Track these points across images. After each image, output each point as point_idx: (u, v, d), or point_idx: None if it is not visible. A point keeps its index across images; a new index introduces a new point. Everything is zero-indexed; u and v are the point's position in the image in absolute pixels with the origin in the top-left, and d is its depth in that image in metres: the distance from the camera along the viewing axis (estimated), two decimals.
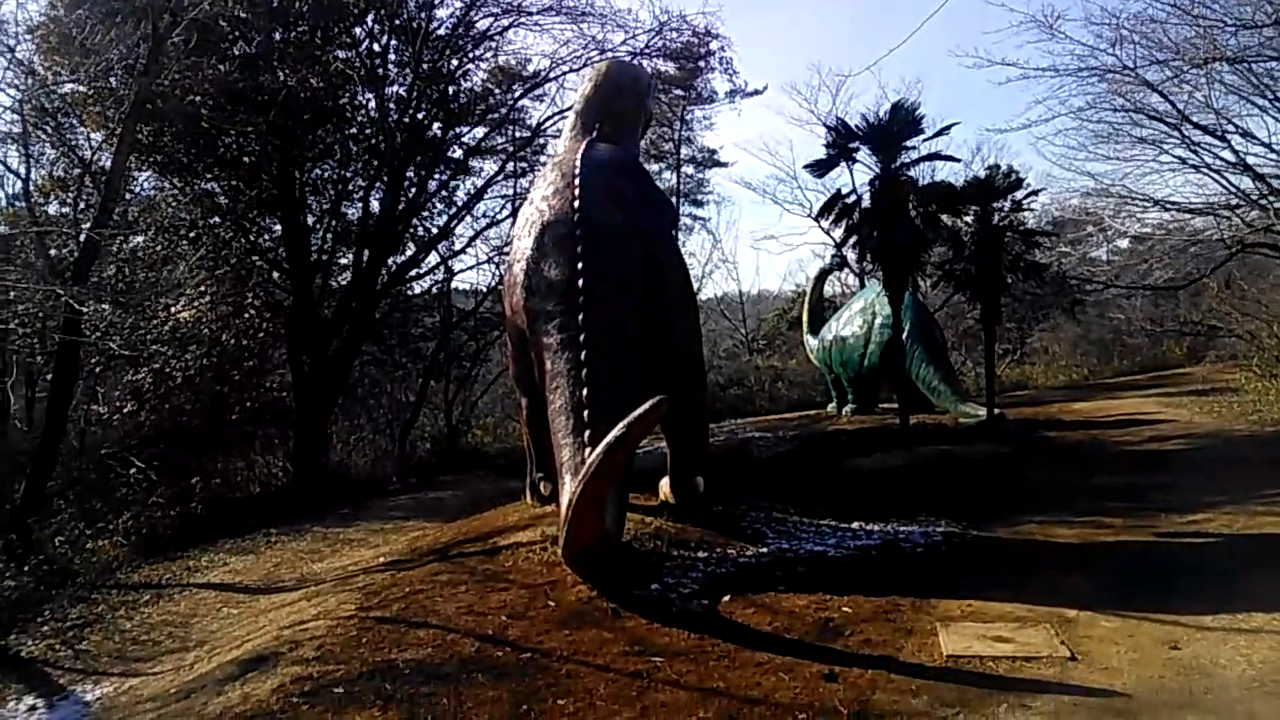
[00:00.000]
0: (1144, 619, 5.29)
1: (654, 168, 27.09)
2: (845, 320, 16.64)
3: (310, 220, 15.86)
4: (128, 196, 14.08)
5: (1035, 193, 13.71)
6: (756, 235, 60.29)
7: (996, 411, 13.21)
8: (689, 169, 29.58)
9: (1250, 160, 14.21)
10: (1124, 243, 20.68)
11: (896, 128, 12.36)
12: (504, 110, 18.17)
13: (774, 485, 9.71)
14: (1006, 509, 8.44)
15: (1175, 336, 21.92)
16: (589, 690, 4.53)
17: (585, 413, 6.44)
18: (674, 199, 27.51)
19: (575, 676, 4.70)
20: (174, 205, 14.43)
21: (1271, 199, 14.13)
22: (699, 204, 30.37)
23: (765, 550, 7.10)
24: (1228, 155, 14.35)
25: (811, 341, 17.97)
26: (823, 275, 19.61)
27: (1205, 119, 14.23)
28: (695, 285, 27.95)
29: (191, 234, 13.85)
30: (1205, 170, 14.79)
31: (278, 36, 14.53)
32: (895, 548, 7.27)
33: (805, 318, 18.65)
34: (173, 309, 13.10)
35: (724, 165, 29.77)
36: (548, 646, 5.08)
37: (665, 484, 8.27)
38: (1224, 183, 14.66)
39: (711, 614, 5.69)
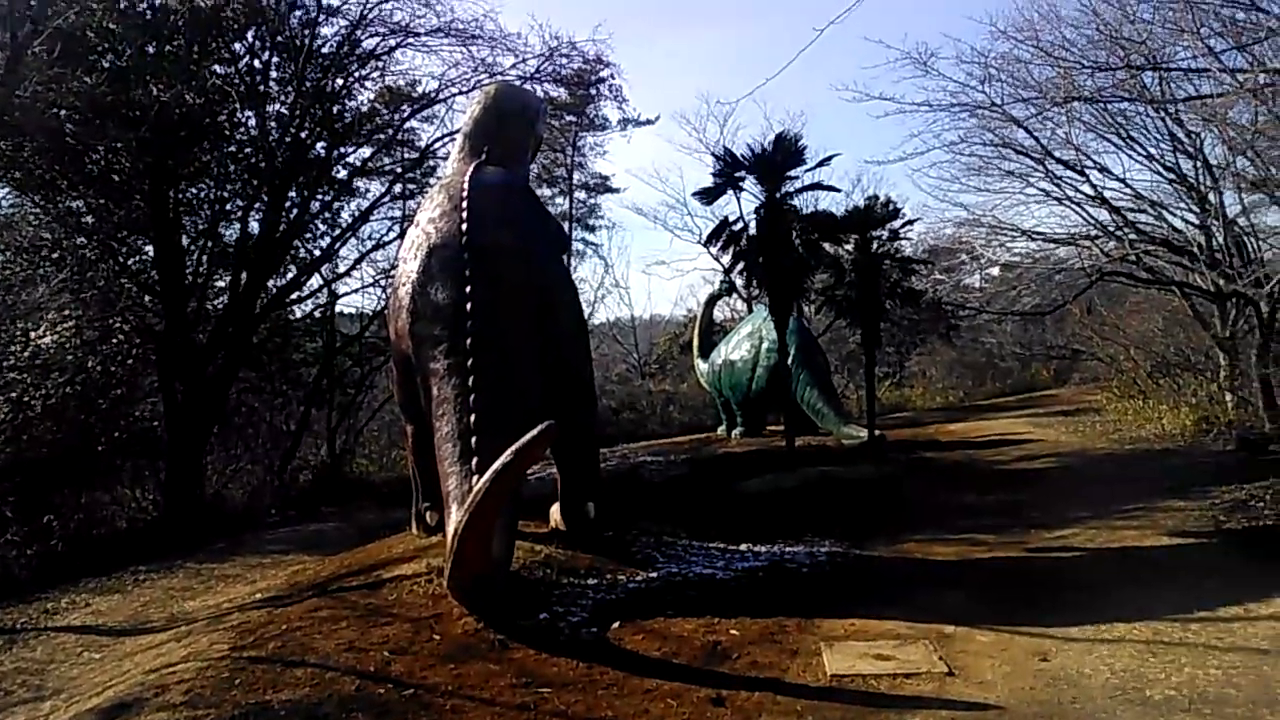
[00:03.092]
0: (1016, 633, 5.50)
1: (546, 192, 27.10)
2: (734, 344, 16.93)
3: (185, 241, 15.14)
4: None
5: (911, 222, 14.31)
6: (648, 260, 61.08)
7: (877, 433, 13.63)
8: (581, 194, 29.71)
9: (1107, 194, 15.10)
10: (995, 270, 21.60)
11: (780, 158, 12.73)
12: (391, 131, 17.82)
13: (665, 509, 9.76)
14: (888, 528, 8.70)
15: (1043, 360, 23.11)
16: None
17: (472, 439, 6.32)
18: (566, 224, 27.54)
19: (460, 712, 4.57)
20: (35, 224, 13.58)
21: (1126, 230, 15.05)
22: (591, 229, 30.48)
23: (655, 575, 7.10)
24: (1087, 189, 15.21)
25: (702, 365, 18.21)
26: (712, 300, 19.93)
27: (1066, 155, 15.06)
28: (587, 310, 27.98)
29: (54, 255, 13.04)
30: (1067, 203, 15.64)
31: (150, 50, 13.88)
32: (782, 569, 7.39)
33: (695, 342, 18.90)
34: (32, 334, 12.30)
35: (616, 191, 30.02)
36: (432, 682, 4.93)
37: (556, 510, 8.19)
38: (1084, 215, 15.53)
39: (600, 642, 5.64)
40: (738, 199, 13.10)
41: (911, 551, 7.85)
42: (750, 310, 20.34)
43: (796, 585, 6.89)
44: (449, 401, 6.65)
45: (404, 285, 7.43)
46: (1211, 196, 14.03)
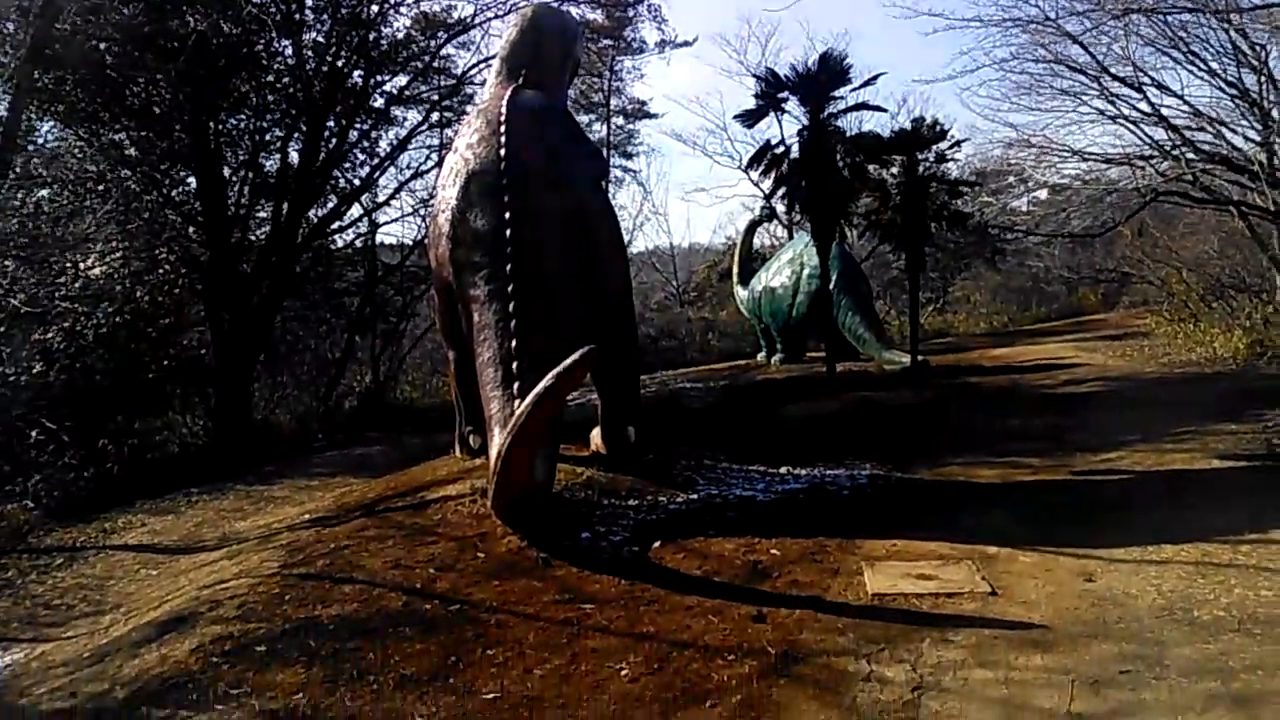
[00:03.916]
0: (1060, 554, 5.47)
1: (584, 118, 26.76)
2: (774, 271, 16.77)
3: (226, 172, 15.23)
4: (29, 148, 13.33)
5: (959, 143, 13.88)
6: (687, 188, 60.30)
7: (920, 358, 13.50)
8: (619, 120, 29.32)
9: (1164, 111, 14.57)
10: (1043, 193, 21.08)
11: (825, 77, 12.38)
12: (428, 58, 17.65)
13: (705, 434, 9.78)
14: (930, 451, 8.64)
15: (1091, 284, 22.60)
16: (518, 640, 4.51)
17: (514, 364, 6.36)
18: (604, 150, 27.24)
19: (504, 626, 4.68)
20: (80, 157, 13.70)
21: (1183, 149, 14.53)
22: (629, 156, 30.16)
23: (695, 497, 7.14)
24: (1144, 107, 14.69)
25: (741, 293, 18.09)
26: (752, 227, 19.70)
27: (1123, 71, 14.52)
28: (626, 238, 27.81)
29: (100, 187, 13.19)
30: (1122, 121, 15.12)
31: None
32: (822, 491, 7.40)
33: (735, 269, 18.75)
34: (82, 265, 12.50)
35: (654, 117, 29.56)
36: (477, 598, 5.04)
37: (597, 434, 8.25)
38: (1139, 134, 15.03)
39: (641, 560, 5.71)
40: (779, 122, 12.78)
41: (954, 474, 7.81)
42: (790, 237, 20.08)
43: (837, 507, 6.90)
44: (490, 327, 6.68)
45: (443, 212, 7.41)
46: (1275, 112, 13.48)
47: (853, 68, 12.35)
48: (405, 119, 18.28)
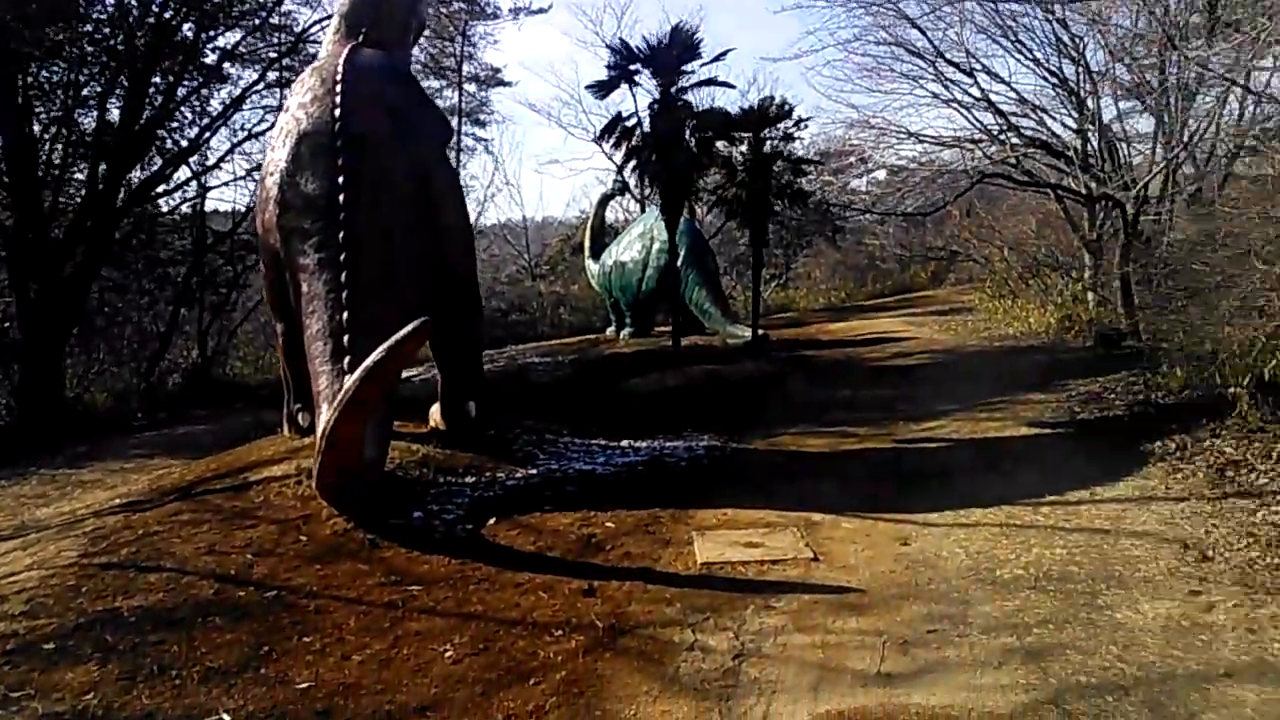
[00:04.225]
0: (880, 519, 5.72)
1: (434, 84, 25.95)
2: (625, 245, 16.78)
3: (36, 129, 13.93)
4: None
5: (803, 121, 14.16)
6: (541, 159, 59.53)
7: (761, 332, 13.82)
8: (471, 87, 28.53)
9: (993, 97, 15.29)
10: (882, 174, 21.85)
11: (676, 51, 12.40)
12: (265, 13, 16.62)
13: (550, 408, 9.72)
14: (765, 422, 8.88)
15: (922, 261, 23.74)
16: (338, 625, 4.34)
17: (345, 338, 6.08)
18: (455, 118, 26.55)
19: (324, 612, 4.49)
20: None
21: (1009, 134, 15.35)
22: (482, 124, 29.40)
23: (534, 472, 7.08)
24: (975, 92, 15.34)
25: (593, 267, 18.03)
26: (605, 200, 19.64)
27: (957, 56, 15.11)
28: (476, 210, 27.24)
29: None
30: (954, 105, 15.76)
31: None
32: (660, 463, 7.48)
33: (587, 243, 18.66)
34: None
35: (508, 85, 28.88)
36: (296, 583, 4.82)
37: (436, 410, 8.06)
38: (970, 118, 15.71)
39: (475, 538, 5.61)
40: (633, 95, 12.74)
41: (786, 444, 8.05)
42: (644, 211, 20.14)
43: (673, 478, 7.00)
44: (319, 298, 6.36)
45: (272, 175, 6.98)
46: (1090, 102, 14.37)
47: (703, 42, 12.43)
48: (240, 77, 17.17)
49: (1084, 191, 13.95)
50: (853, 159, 21.51)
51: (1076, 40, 14.10)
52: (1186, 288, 9.52)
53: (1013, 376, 10.26)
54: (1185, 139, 12.72)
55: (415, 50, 11.85)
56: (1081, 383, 9.47)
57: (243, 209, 17.80)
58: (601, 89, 13.11)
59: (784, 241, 24.79)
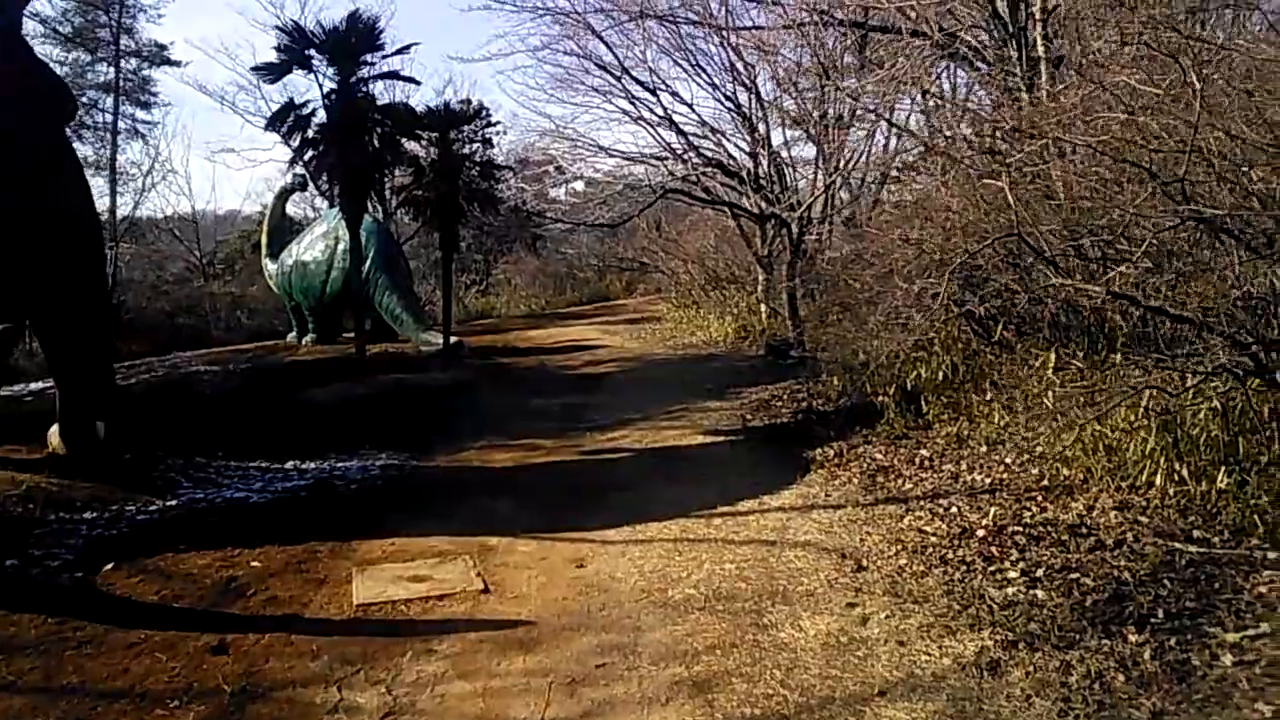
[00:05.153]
0: (558, 539, 5.50)
1: (84, 57, 23.00)
2: (307, 245, 15.65)
3: None
4: None
5: (492, 123, 13.85)
6: (214, 147, 54.46)
7: (454, 339, 13.37)
8: (131, 63, 25.45)
9: (676, 118, 15.98)
10: (579, 185, 22.27)
11: (354, 39, 11.63)
12: None
13: (210, 425, 8.69)
14: (451, 436, 8.46)
15: (616, 271, 24.38)
16: None
17: None
18: (111, 97, 23.63)
19: None
20: None
21: (690, 154, 16.09)
22: (145, 106, 26.30)
23: (174, 503, 6.19)
24: (660, 111, 15.96)
25: (271, 266, 16.66)
26: (284, 194, 18.16)
27: (643, 75, 15.63)
28: (132, 200, 24.37)
29: None
30: (642, 123, 16.30)
31: None
32: (328, 487, 6.83)
33: (264, 241, 17.21)
34: None
35: (176, 64, 26.06)
36: None
37: (54, 432, 6.86)
38: (656, 136, 16.34)
39: (84, 588, 4.72)
40: (318, 83, 11.77)
41: (470, 460, 7.69)
42: (332, 206, 18.90)
43: (341, 504, 6.39)
44: None
45: None
46: (761, 127, 15.37)
47: (384, 32, 11.76)
48: None
49: (756, 210, 14.85)
50: (550, 168, 21.71)
51: (749, 68, 15.03)
52: (841, 302, 10.31)
53: (693, 384, 10.58)
54: (840, 166, 13.96)
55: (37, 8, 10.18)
56: (753, 390, 9.92)
57: None
58: (271, 72, 12.07)
59: (485, 247, 24.42)
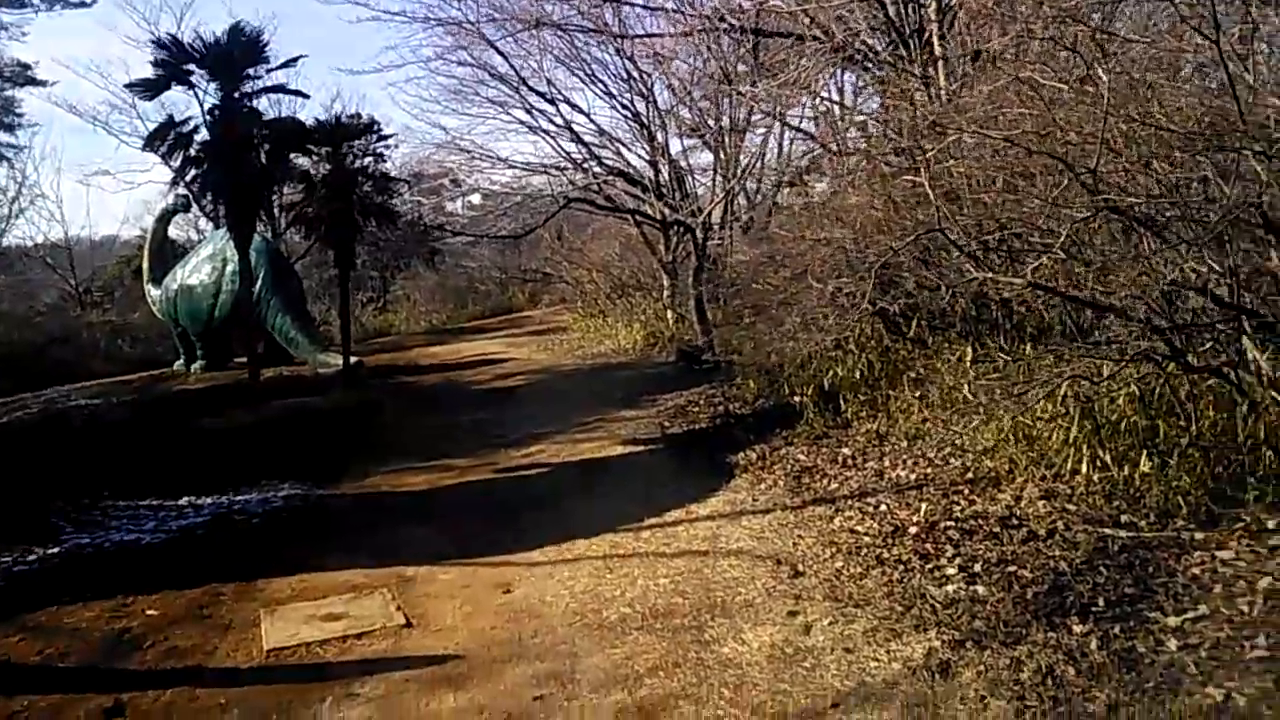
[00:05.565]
0: (481, 564, 5.24)
1: None
2: (192, 268, 14.92)
3: None
4: None
5: (385, 136, 13.43)
6: (87, 169, 51.36)
7: (354, 360, 12.88)
8: None
9: (575, 127, 15.84)
10: (476, 198, 21.89)
11: (238, 53, 11.11)
12: None
13: (96, 462, 8.11)
14: (358, 461, 8.06)
15: (519, 283, 24.04)
16: None
17: None
18: None
19: None
20: None
21: (591, 163, 15.98)
22: (9, 128, 24.69)
23: (56, 550, 5.69)
24: (559, 121, 15.80)
25: (154, 292, 15.85)
26: (165, 217, 17.28)
27: (540, 86, 15.45)
28: (1, 226, 22.90)
29: None
30: (541, 133, 16.10)
31: None
32: (228, 522, 6.40)
33: (146, 266, 16.35)
34: None
35: (42, 84, 24.50)
36: None
37: None
38: (555, 146, 16.17)
39: None
40: (198, 99, 11.17)
41: (379, 485, 7.32)
42: (218, 228, 18.06)
43: (243, 541, 5.98)
44: None
45: None
46: (659, 136, 15.36)
47: (268, 44, 11.25)
48: None
49: (659, 218, 14.82)
50: (446, 181, 21.30)
51: (645, 77, 15.02)
52: (753, 305, 10.30)
53: (607, 393, 10.40)
54: (738, 173, 14.04)
55: None
56: (668, 397, 9.79)
57: None
58: (148, 89, 11.47)
59: (381, 263, 23.73)
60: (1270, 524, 4.06)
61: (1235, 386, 4.53)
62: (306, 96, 15.95)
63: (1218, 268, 4.38)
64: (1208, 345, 4.67)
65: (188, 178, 12.34)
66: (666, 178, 15.34)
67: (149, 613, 4.69)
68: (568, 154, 16.27)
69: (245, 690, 3.81)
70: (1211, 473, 4.49)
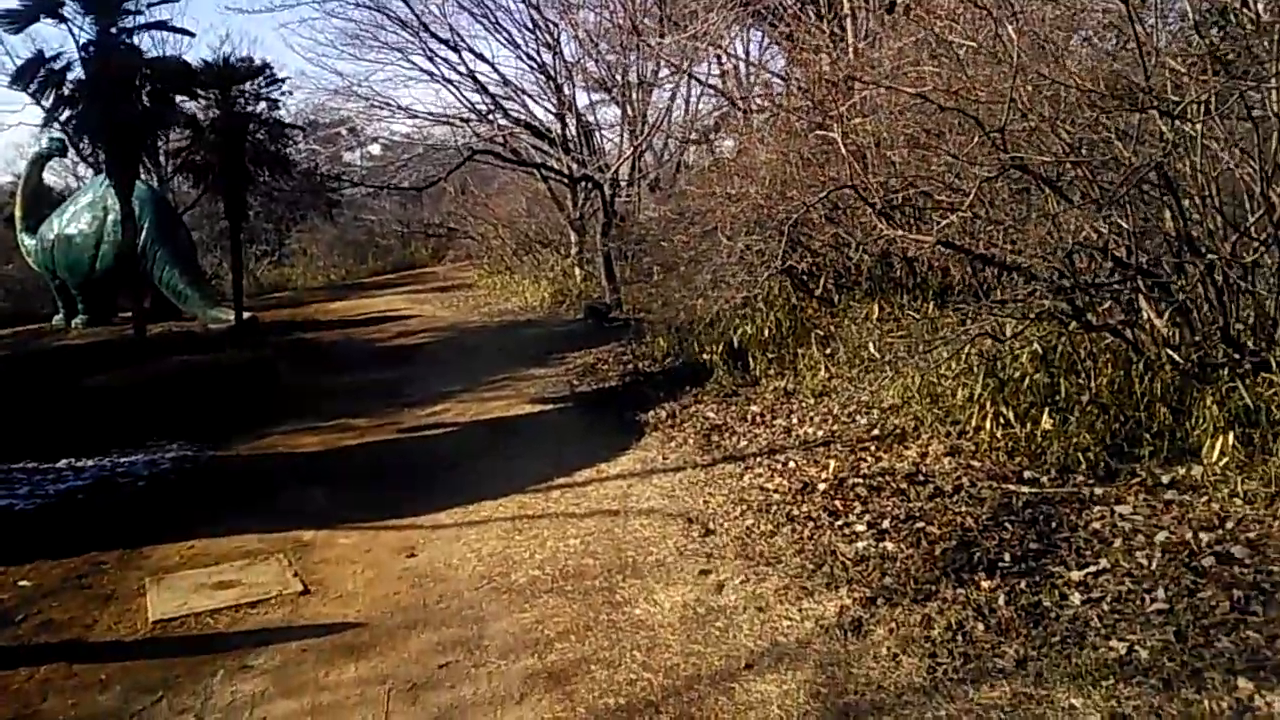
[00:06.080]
0: (383, 528, 5.08)
1: None
2: (71, 216, 14.01)
3: None
4: None
5: (278, 80, 12.75)
6: None
7: (247, 315, 12.34)
8: None
9: (479, 77, 15.44)
10: (376, 148, 21.18)
11: None
12: None
13: None
14: (252, 421, 7.73)
15: (422, 238, 23.43)
16: None
17: None
18: None
19: None
20: None
21: (496, 114, 15.59)
22: None
23: None
24: (462, 70, 15.37)
25: (29, 242, 14.83)
26: (40, 161, 16.14)
27: (444, 33, 14.97)
28: None
29: None
30: (443, 82, 15.65)
31: None
32: (111, 485, 6.06)
33: (19, 213, 15.29)
34: None
35: None
36: None
37: None
38: (459, 96, 15.77)
39: None
40: (72, 35, 10.36)
41: (275, 446, 7.03)
42: (98, 174, 16.99)
43: (127, 505, 5.67)
44: None
45: None
46: (566, 89, 15.06)
47: None
48: None
49: (566, 173, 14.57)
50: (343, 130, 20.54)
51: (552, 27, 14.68)
52: (663, 263, 10.24)
53: (514, 351, 10.24)
54: (646, 129, 13.89)
55: None
56: (577, 355, 9.67)
57: None
58: (13, 21, 10.53)
59: (276, 215, 22.77)
60: (1165, 479, 4.21)
61: (1132, 345, 4.68)
62: (192, 35, 14.94)
63: (1121, 227, 4.48)
64: (1106, 304, 4.80)
65: (62, 119, 11.50)
66: (574, 132, 15.07)
67: (21, 584, 4.39)
68: (472, 104, 15.88)
69: (128, 665, 3.59)
70: (1109, 429, 4.63)
